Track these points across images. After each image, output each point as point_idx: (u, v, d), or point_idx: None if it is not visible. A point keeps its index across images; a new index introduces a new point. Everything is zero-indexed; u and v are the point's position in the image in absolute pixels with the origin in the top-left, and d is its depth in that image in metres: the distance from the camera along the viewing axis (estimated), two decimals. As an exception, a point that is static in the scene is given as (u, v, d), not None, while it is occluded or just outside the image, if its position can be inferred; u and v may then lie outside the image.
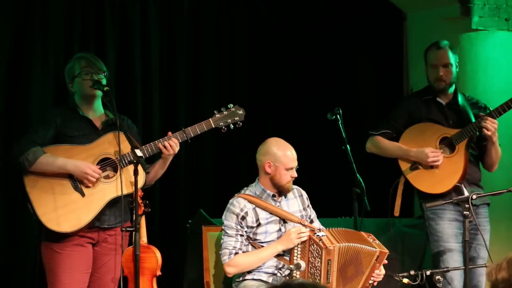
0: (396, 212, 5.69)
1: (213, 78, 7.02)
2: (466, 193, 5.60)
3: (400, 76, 7.35)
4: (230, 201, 5.02)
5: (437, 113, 5.68)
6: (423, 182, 5.64)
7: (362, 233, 5.00)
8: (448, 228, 5.60)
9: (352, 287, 4.86)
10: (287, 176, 4.99)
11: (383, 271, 4.95)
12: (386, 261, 4.94)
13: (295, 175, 5.01)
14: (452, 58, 5.66)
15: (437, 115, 5.67)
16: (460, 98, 5.70)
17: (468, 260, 5.11)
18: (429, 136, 5.64)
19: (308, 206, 5.17)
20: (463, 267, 5.23)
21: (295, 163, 5.00)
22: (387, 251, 4.91)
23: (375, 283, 4.94)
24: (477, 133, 5.58)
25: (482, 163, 5.76)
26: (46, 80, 6.23)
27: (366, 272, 4.87)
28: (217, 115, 5.08)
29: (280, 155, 4.98)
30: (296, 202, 5.12)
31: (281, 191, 5.04)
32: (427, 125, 5.67)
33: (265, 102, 7.16)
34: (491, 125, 5.52)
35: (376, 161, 5.92)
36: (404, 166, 5.69)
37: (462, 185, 5.63)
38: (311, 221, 5.14)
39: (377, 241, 4.96)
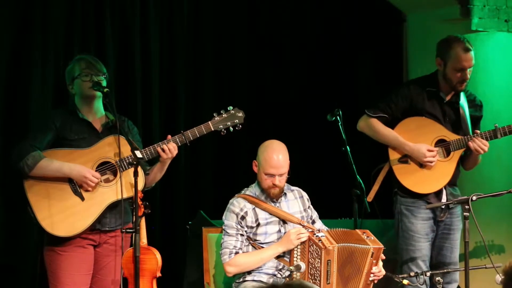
0: (370, 198, 5.54)
1: (213, 79, 7.01)
2: (444, 196, 5.57)
3: (400, 77, 7.34)
4: (230, 201, 5.03)
5: (437, 108, 5.60)
6: (408, 177, 5.55)
7: (358, 231, 4.98)
8: (421, 229, 5.57)
9: (353, 287, 4.86)
10: (268, 182, 4.92)
11: (383, 271, 4.93)
12: (383, 256, 4.91)
13: (277, 183, 4.91)
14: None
15: (436, 111, 5.59)
16: (462, 97, 5.62)
17: (468, 261, 5.09)
18: (427, 134, 5.56)
19: (309, 207, 5.15)
20: (463, 268, 5.21)
21: (275, 170, 4.90)
22: (381, 246, 4.88)
23: (375, 281, 4.93)
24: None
25: (463, 164, 5.71)
26: (46, 81, 6.22)
27: (364, 271, 4.85)
28: (217, 118, 5.02)
29: (262, 158, 4.94)
30: (296, 203, 5.11)
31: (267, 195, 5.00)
32: (427, 121, 5.58)
33: (265, 103, 7.15)
34: (481, 148, 5.48)
35: (376, 161, 5.91)
36: (393, 155, 5.58)
37: (443, 187, 5.60)
38: (313, 222, 5.13)
39: (372, 237, 4.91)
